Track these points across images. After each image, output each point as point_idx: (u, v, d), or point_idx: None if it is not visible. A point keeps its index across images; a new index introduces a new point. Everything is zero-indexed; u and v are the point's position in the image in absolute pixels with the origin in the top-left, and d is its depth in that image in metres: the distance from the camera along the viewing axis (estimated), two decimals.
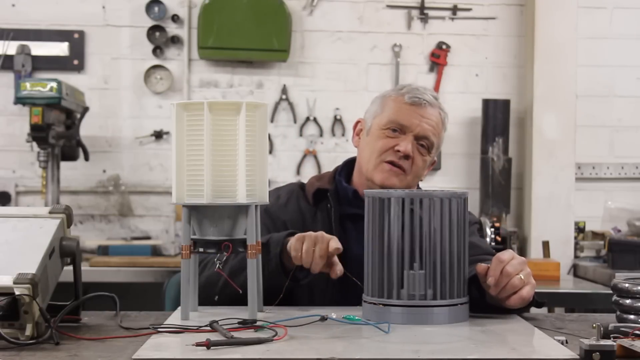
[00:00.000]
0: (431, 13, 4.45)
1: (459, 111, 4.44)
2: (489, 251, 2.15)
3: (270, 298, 1.87)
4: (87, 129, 4.16)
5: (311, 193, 2.23)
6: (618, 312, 1.71)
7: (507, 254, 1.79)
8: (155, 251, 4.04)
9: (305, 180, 2.36)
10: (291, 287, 1.92)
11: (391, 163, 2.16)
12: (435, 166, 4.36)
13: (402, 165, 2.16)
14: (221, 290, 1.96)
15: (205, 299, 1.91)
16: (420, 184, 2.31)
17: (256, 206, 1.75)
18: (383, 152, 2.17)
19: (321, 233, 1.87)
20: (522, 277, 1.77)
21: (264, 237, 1.91)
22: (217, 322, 1.61)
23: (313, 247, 1.84)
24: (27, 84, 3.73)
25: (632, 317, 1.67)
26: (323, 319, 1.66)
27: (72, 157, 4.05)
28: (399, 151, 2.15)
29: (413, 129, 2.16)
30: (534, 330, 1.71)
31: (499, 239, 3.86)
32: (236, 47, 4.25)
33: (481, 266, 1.80)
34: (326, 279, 1.93)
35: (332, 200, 2.21)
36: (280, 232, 2.03)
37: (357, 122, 2.32)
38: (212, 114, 1.70)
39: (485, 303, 1.87)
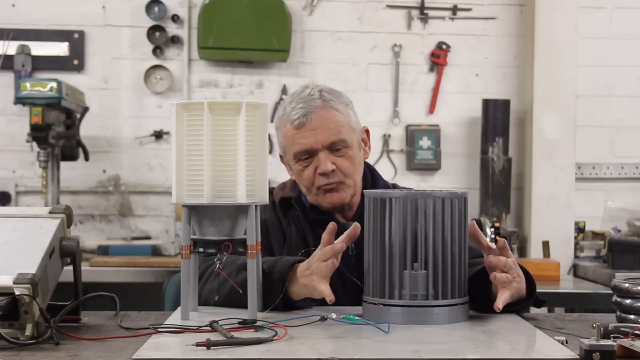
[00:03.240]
0: (431, 13, 4.44)
1: (459, 111, 4.45)
2: (481, 254, 2.15)
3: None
4: (87, 129, 4.16)
5: (277, 203, 2.23)
6: (618, 312, 1.71)
7: (497, 260, 1.80)
8: (155, 251, 4.04)
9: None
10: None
11: (326, 185, 2.14)
12: (435, 166, 4.37)
13: (334, 180, 2.14)
14: (221, 304, 1.95)
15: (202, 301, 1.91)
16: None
17: (256, 206, 1.75)
18: (312, 181, 2.15)
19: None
20: (508, 278, 1.78)
21: (265, 263, 1.89)
22: (217, 322, 1.61)
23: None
24: (27, 84, 3.73)
25: (632, 317, 1.67)
26: (323, 319, 1.66)
27: (72, 157, 4.05)
28: (322, 173, 2.13)
29: (317, 147, 2.13)
30: (534, 330, 1.71)
31: (499, 239, 3.85)
32: (236, 47, 4.25)
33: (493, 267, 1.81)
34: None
35: (297, 208, 2.20)
36: (262, 230, 2.03)
37: (281, 156, 2.28)
38: (212, 114, 1.70)
39: (487, 299, 1.87)
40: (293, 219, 2.21)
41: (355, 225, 1.85)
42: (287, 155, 2.20)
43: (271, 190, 2.24)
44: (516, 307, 1.88)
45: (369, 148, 2.27)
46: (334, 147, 2.13)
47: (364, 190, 1.87)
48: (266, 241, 2.12)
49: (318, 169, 2.13)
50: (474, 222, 1.83)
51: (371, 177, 2.28)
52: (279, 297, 1.83)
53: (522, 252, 4.28)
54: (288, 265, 1.88)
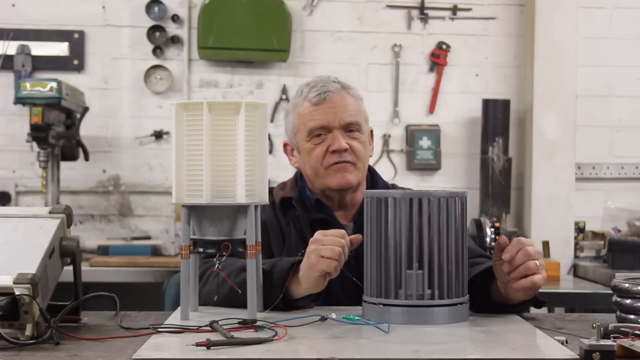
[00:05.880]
0: (431, 13, 4.44)
1: (459, 111, 4.45)
2: (481, 253, 2.16)
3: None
4: (87, 129, 4.16)
5: (277, 202, 2.22)
6: (618, 312, 1.71)
7: (528, 240, 1.80)
8: (155, 251, 4.04)
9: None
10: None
11: (336, 163, 2.15)
12: (435, 166, 4.37)
13: (346, 159, 2.16)
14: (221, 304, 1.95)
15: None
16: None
17: (256, 206, 1.75)
18: (322, 160, 2.16)
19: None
20: (537, 264, 1.77)
21: (265, 264, 1.89)
22: (217, 322, 1.61)
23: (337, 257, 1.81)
24: (27, 84, 3.73)
25: (632, 317, 1.67)
26: (323, 319, 1.66)
27: (72, 157, 4.05)
28: (335, 151, 2.15)
29: (334, 124, 2.16)
30: (534, 330, 1.71)
31: (500, 235, 3.85)
32: (236, 47, 4.25)
33: (503, 238, 1.80)
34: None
35: (298, 207, 2.20)
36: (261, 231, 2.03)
37: (285, 145, 2.31)
38: (212, 114, 1.70)
39: (487, 300, 1.87)
40: (293, 219, 2.20)
41: (358, 236, 1.86)
42: (299, 135, 2.21)
43: (270, 190, 2.24)
44: (516, 308, 1.89)
45: (372, 149, 2.29)
46: (349, 128, 2.17)
47: (364, 191, 1.87)
48: (265, 242, 2.12)
49: (331, 146, 2.15)
50: (505, 237, 1.82)
51: (371, 178, 2.29)
52: (280, 297, 1.83)
53: None
54: (289, 264, 1.88)
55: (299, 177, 2.29)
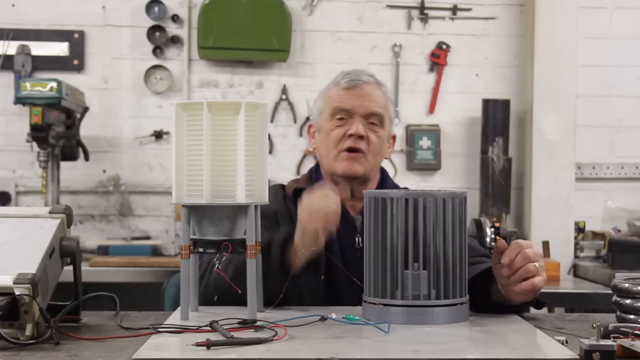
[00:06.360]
0: (431, 13, 4.44)
1: (459, 111, 4.45)
2: (483, 253, 2.16)
3: (270, 300, 1.87)
4: (87, 129, 4.16)
5: (290, 194, 2.24)
6: (618, 312, 1.71)
7: (527, 242, 1.81)
8: (155, 251, 4.04)
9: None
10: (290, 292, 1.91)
11: (348, 150, 2.18)
12: (435, 166, 4.37)
13: (359, 147, 2.18)
14: (221, 294, 1.95)
15: (205, 301, 1.92)
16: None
17: (256, 206, 1.75)
18: (338, 142, 2.20)
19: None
20: (537, 266, 1.77)
21: (263, 239, 1.91)
22: (217, 322, 1.61)
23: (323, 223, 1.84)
24: (27, 84, 3.73)
25: (632, 317, 1.67)
26: (323, 319, 1.66)
27: (72, 157, 4.05)
28: (352, 135, 2.17)
29: (357, 110, 2.20)
30: (534, 330, 1.71)
31: (498, 239, 3.85)
32: (236, 47, 4.25)
33: (501, 242, 1.80)
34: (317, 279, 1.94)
35: None
36: (271, 222, 2.05)
37: (310, 126, 2.35)
38: (212, 113, 1.70)
39: (487, 301, 1.87)
40: None
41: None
42: (322, 114, 2.25)
43: (282, 186, 2.30)
44: (517, 309, 1.88)
45: (389, 153, 2.32)
46: (370, 120, 2.20)
47: (364, 191, 1.87)
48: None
49: (350, 130, 2.18)
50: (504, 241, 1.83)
51: (381, 178, 2.31)
52: (278, 265, 1.87)
53: None
54: (285, 234, 1.92)
55: (313, 170, 2.32)
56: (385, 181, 2.32)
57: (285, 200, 2.24)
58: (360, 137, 2.17)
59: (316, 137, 2.29)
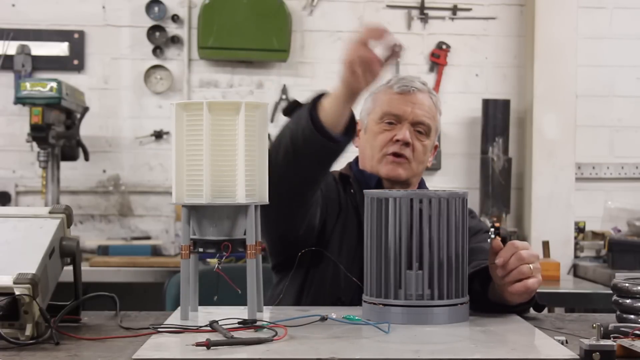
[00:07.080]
0: (431, 13, 4.45)
1: (459, 111, 4.45)
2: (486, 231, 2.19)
3: (304, 188, 2.00)
4: (87, 129, 4.16)
5: (337, 176, 2.27)
6: (618, 312, 1.71)
7: (523, 243, 1.81)
8: (155, 251, 4.04)
9: None
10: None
11: (393, 154, 2.19)
12: (435, 166, 4.37)
13: (404, 153, 2.19)
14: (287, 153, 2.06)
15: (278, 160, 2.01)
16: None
17: (256, 206, 1.75)
18: (384, 146, 2.21)
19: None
20: (532, 268, 1.77)
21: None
22: (217, 322, 1.61)
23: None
24: (27, 84, 3.73)
25: (632, 317, 1.67)
26: (323, 319, 1.66)
27: (72, 157, 4.05)
28: (398, 140, 2.18)
29: (407, 117, 2.20)
30: (534, 330, 1.71)
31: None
32: (236, 47, 4.25)
33: (497, 242, 1.81)
34: (321, 276, 1.93)
35: (354, 185, 2.25)
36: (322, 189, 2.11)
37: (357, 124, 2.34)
38: (212, 113, 1.70)
39: (486, 300, 1.87)
40: (350, 195, 2.25)
41: None
42: (371, 115, 2.25)
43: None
44: (516, 309, 1.88)
45: (430, 162, 2.33)
46: (418, 127, 2.21)
47: (364, 191, 1.87)
48: (322, 192, 2.15)
49: (397, 135, 2.19)
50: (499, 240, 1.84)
51: (420, 185, 2.33)
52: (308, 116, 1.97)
53: None
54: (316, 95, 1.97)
55: (353, 163, 2.33)
56: (421, 184, 2.34)
57: (335, 180, 2.26)
58: (406, 144, 2.19)
59: (361, 137, 2.30)
